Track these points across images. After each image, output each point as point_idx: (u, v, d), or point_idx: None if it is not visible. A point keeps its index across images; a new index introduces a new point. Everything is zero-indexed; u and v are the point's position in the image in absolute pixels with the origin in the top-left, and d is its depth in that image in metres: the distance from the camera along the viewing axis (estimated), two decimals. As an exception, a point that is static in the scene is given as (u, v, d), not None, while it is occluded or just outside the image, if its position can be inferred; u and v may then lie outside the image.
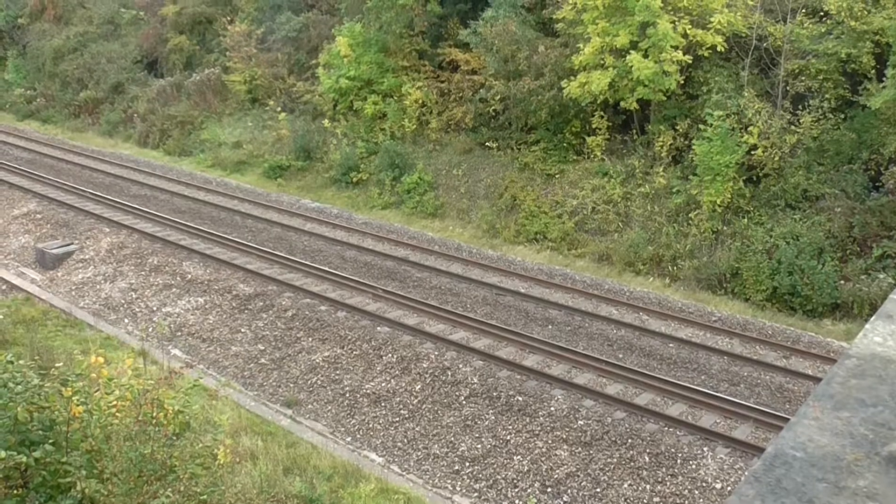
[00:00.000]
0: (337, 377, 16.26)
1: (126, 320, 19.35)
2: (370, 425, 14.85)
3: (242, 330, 18.32)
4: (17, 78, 45.53)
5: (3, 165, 31.23)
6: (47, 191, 27.70)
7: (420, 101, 28.21)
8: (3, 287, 21.13)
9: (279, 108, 32.29)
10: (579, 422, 14.12)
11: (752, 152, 20.81)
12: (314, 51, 32.70)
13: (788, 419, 1.83)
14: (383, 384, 15.82)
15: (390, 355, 16.64)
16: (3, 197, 27.79)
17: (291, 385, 16.25)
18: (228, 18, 36.33)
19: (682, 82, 22.09)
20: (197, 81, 35.80)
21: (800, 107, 20.91)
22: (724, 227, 20.98)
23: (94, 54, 41.44)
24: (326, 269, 20.73)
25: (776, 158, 20.59)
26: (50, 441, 7.08)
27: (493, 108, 26.04)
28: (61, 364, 8.91)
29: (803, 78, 21.03)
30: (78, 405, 7.51)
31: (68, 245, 23.31)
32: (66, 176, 30.03)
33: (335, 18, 32.59)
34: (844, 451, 1.49)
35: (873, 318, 2.05)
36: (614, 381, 15.28)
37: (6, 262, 23.14)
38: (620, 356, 16.56)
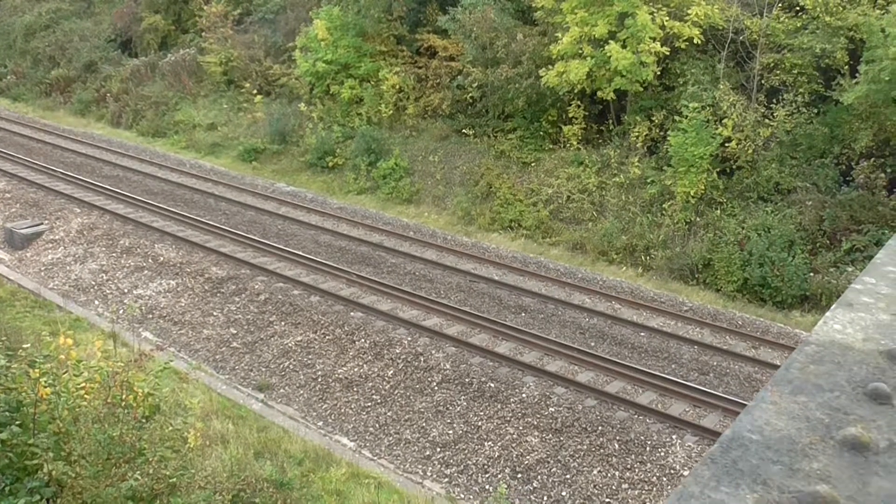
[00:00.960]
0: (309, 362, 16.23)
1: (96, 302, 19.15)
2: (342, 410, 14.86)
3: (215, 313, 18.22)
4: (-14, 54, 44.74)
5: (-29, 143, 30.69)
6: (17, 170, 27.28)
7: (397, 87, 28.11)
8: (-29, 267, 20.83)
9: (255, 91, 32.04)
10: (550, 409, 14.22)
11: (727, 145, 20.99)
12: (291, 34, 32.43)
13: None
14: (356, 369, 15.83)
15: (363, 340, 16.63)
16: (-28, 175, 27.36)
17: (263, 369, 16.21)
18: (205, -1, 35.95)
19: (659, 74, 22.20)
20: (172, 62, 35.37)
21: (774, 100, 21.11)
22: (697, 219, 21.17)
23: (66, 32, 40.83)
24: (300, 253, 20.64)
25: (750, 151, 20.78)
26: (17, 423, 7.02)
27: (470, 95, 26.02)
28: (29, 345, 8.82)
29: (778, 72, 21.22)
30: (46, 387, 7.45)
31: (38, 225, 23.00)
32: (36, 155, 29.58)
33: (313, 1, 32.33)
34: (800, 434, 1.52)
35: (834, 306, 2.08)
36: (586, 368, 15.40)
37: (-26, 241, 22.81)
38: (592, 344, 16.69)
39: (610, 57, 21.20)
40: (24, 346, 8.49)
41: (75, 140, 32.31)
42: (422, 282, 19.64)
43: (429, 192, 25.63)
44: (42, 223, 23.12)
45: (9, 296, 18.91)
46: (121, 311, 18.29)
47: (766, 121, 20.83)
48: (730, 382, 15.39)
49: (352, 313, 17.61)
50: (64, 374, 8.08)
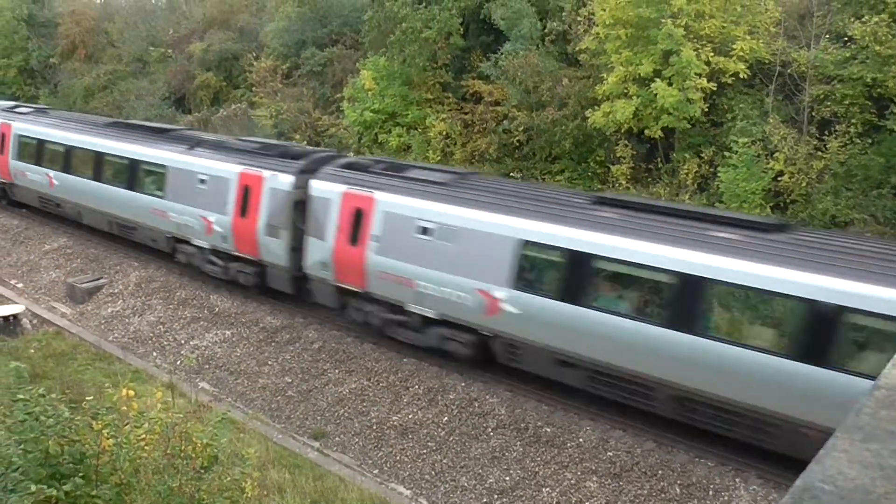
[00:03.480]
0: (364, 409, 16.23)
1: (154, 353, 19.51)
2: (397, 457, 14.79)
3: (270, 362, 18.39)
4: (49, 116, 46.45)
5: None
6: (78, 226, 28.13)
7: (444, 133, 28.39)
8: (35, 321, 21.42)
9: (305, 142, 32.63)
10: (609, 453, 13.96)
11: (779, 178, 20.68)
12: (339, 85, 33.10)
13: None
14: (410, 416, 15.78)
15: (417, 387, 16.60)
16: (36, 232, 28.26)
17: (318, 417, 16.26)
18: (254, 55, 36.95)
19: (707, 110, 22.05)
20: (224, 117, 36.31)
21: (826, 132, 20.78)
22: (752, 254, 20.76)
23: (123, 91, 42.25)
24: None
25: (803, 184, 20.43)
26: (80, 474, 7.13)
27: (516, 138, 26.14)
28: (91, 397, 8.99)
29: (829, 103, 20.91)
30: (108, 438, 7.56)
31: (97, 279, 23.61)
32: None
33: (359, 53, 33.01)
34: (874, 484, 1.47)
35: (902, 347, 2.03)
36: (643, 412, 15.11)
37: (38, 296, 23.48)
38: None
39: (656, 95, 21.15)
40: (87, 398, 8.65)
41: (133, 195, 33.14)
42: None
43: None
44: (101, 277, 23.72)
45: (71, 349, 19.38)
46: (178, 363, 18.60)
47: (819, 153, 20.49)
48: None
49: (405, 359, 17.61)
50: (125, 425, 8.20)
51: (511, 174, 26.23)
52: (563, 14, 26.04)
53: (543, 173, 25.80)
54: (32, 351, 18.77)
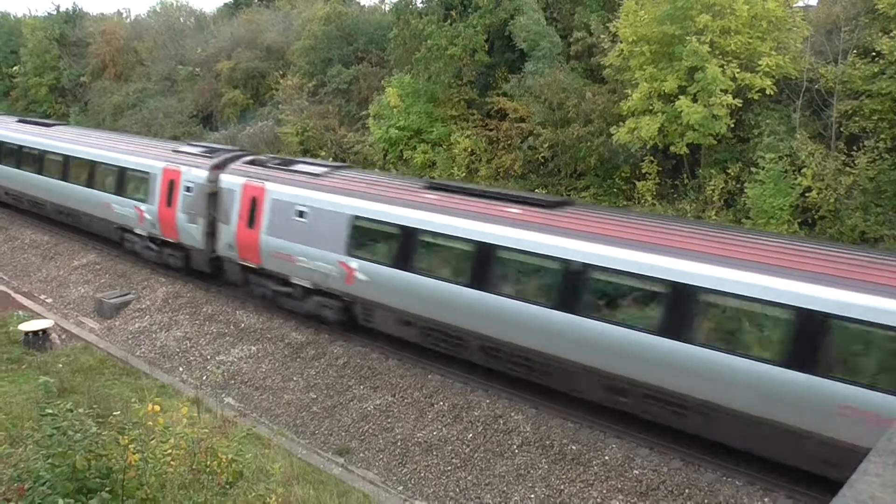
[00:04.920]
0: (388, 425, 16.21)
1: (181, 368, 19.64)
2: (422, 474, 14.74)
3: (295, 378, 18.44)
4: (79, 133, 47.20)
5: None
6: (106, 242, 28.45)
7: (469, 150, 28.47)
8: (63, 336, 21.65)
9: (331, 158, 32.84)
10: (635, 471, 13.83)
11: (807, 194, 20.48)
12: (364, 102, 33.35)
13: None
14: (435, 432, 15.73)
15: (442, 403, 16.56)
16: (65, 248, 28.64)
17: (343, 433, 16.26)
18: (281, 72, 37.36)
19: (733, 125, 21.92)
20: (250, 134, 36.69)
21: (854, 147, 20.57)
22: (780, 271, 20.54)
23: (151, 109, 42.86)
24: (377, 316, 20.81)
25: (832, 200, 20.21)
26: (107, 489, 7.17)
27: (541, 155, 26.14)
28: (118, 412, 9.06)
29: (857, 119, 20.71)
30: (134, 453, 7.61)
31: (125, 295, 23.86)
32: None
33: (384, 70, 33.26)
34: (909, 508, 1.45)
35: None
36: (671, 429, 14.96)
37: (67, 311, 23.76)
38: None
39: (681, 112, 21.06)
40: (114, 413, 8.71)
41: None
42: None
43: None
44: (129, 293, 23.97)
45: (99, 363, 19.54)
46: (204, 378, 18.70)
47: (847, 169, 20.27)
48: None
49: (429, 376, 17.58)
50: (151, 440, 8.25)
51: (536, 190, 26.21)
52: (591, 28, 26.04)
53: (569, 189, 25.76)
54: (61, 365, 18.95)
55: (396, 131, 29.64)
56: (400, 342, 18.51)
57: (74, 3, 55.46)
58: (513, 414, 15.79)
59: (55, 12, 54.88)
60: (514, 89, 26.70)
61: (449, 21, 28.63)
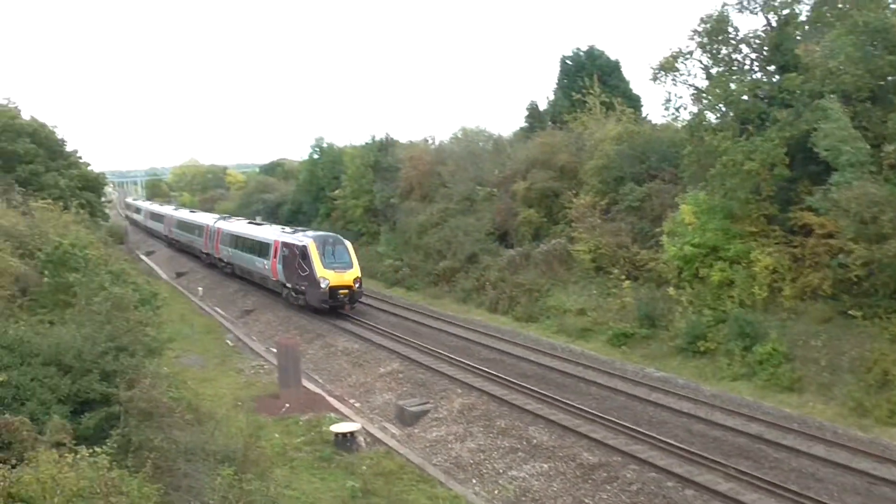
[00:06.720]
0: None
1: (473, 480, 19.99)
2: None
3: (586, 500, 18.01)
4: (387, 250, 51.69)
5: (373, 328, 35.04)
6: (408, 352, 30.36)
7: (771, 268, 26.94)
8: (368, 439, 23.06)
9: (623, 277, 32.73)
10: None
11: None
12: (657, 219, 33.06)
13: None
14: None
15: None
16: (372, 357, 30.93)
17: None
18: (574, 192, 38.32)
19: None
20: (544, 251, 37.80)
21: None
22: None
23: (452, 228, 45.70)
24: (672, 442, 19.89)
25: None
26: None
27: (854, 273, 23.99)
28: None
29: None
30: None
31: (425, 403, 25.06)
32: (424, 338, 32.78)
33: (678, 187, 32.85)
34: None
35: None
36: None
37: (372, 416, 25.40)
38: None
39: None
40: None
41: (458, 325, 35.33)
42: (809, 480, 17.70)
43: (812, 380, 23.54)
44: (428, 402, 25.15)
45: (397, 468, 20.47)
46: (496, 492, 18.88)
47: None
48: None
49: (731, 512, 16.32)
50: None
51: (849, 312, 24.00)
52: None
53: (889, 312, 23.27)
54: (365, 468, 20.14)
55: (691, 248, 28.92)
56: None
57: (387, 133, 61.44)
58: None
59: (371, 141, 61.30)
60: (819, 202, 24.96)
61: (745, 136, 27.79)
